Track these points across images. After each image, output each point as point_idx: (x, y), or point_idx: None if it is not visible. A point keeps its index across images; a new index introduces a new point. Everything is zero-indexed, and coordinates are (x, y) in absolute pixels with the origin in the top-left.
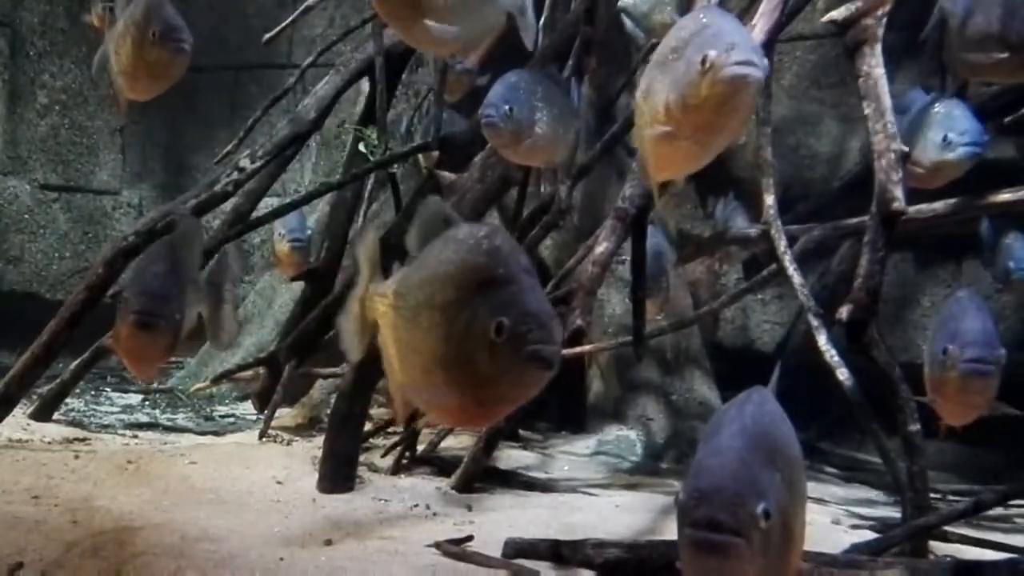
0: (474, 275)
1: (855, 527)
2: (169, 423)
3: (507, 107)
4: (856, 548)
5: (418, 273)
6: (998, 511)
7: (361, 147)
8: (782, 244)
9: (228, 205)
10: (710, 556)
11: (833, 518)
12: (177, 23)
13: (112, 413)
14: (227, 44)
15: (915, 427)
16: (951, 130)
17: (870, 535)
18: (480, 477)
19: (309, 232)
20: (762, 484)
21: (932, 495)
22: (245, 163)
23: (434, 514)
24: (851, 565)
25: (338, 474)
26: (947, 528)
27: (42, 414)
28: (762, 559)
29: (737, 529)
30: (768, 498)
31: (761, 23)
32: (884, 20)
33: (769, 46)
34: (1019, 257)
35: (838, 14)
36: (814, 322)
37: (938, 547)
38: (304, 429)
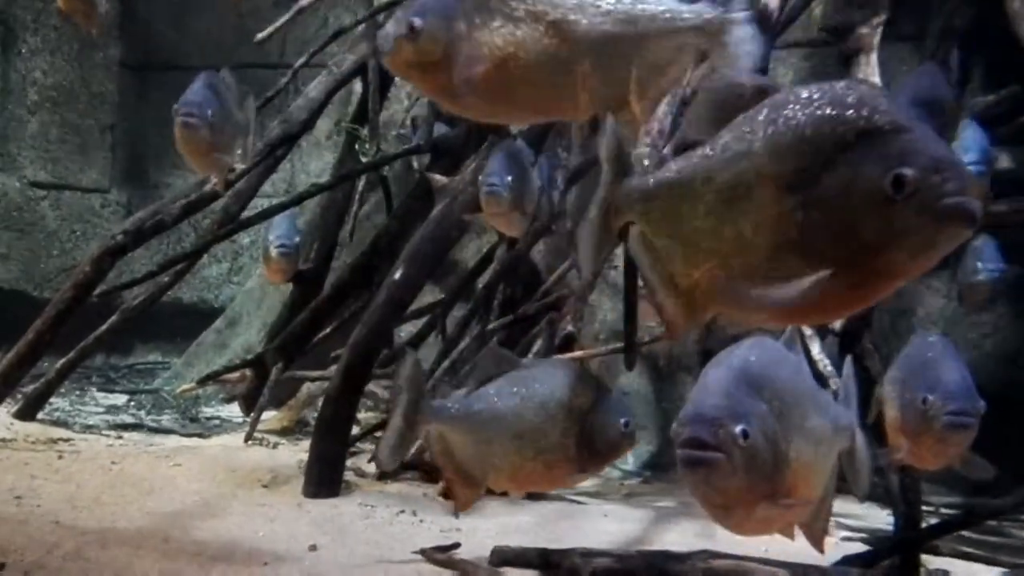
0: (845, 128)
1: (847, 539)
2: (154, 424)
3: (509, 179)
4: (847, 560)
5: (722, 153)
6: (990, 524)
7: (356, 146)
8: None
9: (218, 205)
10: (697, 470)
11: None
12: (193, 99)
13: (97, 413)
14: (220, 44)
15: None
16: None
17: (862, 547)
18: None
19: (298, 239)
20: (741, 410)
21: (924, 508)
22: (246, 159)
23: (420, 521)
24: None
25: (324, 479)
26: (939, 541)
27: (26, 413)
28: (746, 473)
29: (717, 446)
30: (748, 421)
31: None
32: (880, 29)
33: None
34: (987, 258)
35: (834, 22)
36: (807, 331)
37: (930, 560)
38: (290, 432)
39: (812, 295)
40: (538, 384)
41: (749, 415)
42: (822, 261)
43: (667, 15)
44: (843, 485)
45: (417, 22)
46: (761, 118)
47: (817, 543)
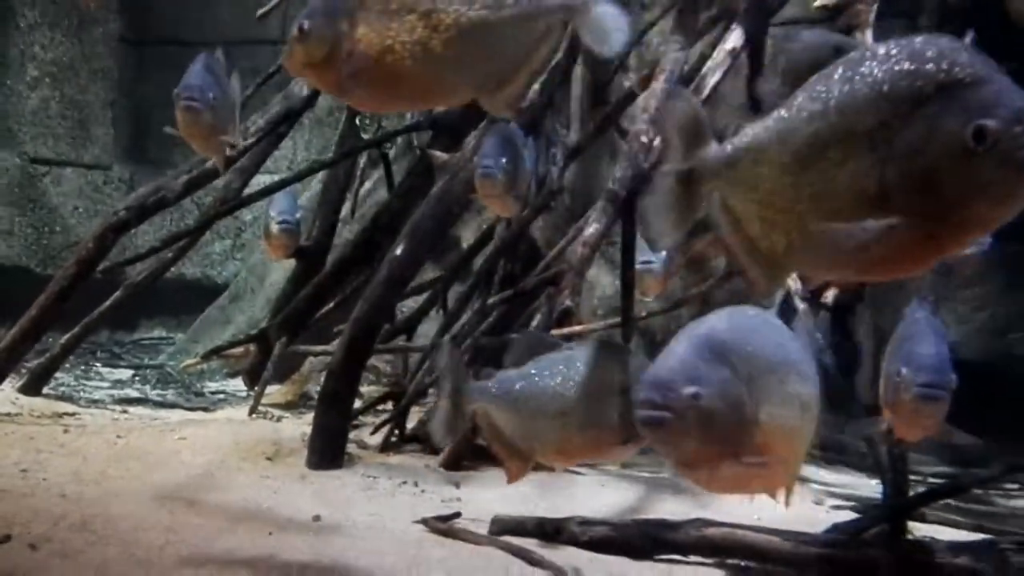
0: (924, 82)
1: (836, 508)
2: (159, 399)
3: (503, 160)
4: (836, 528)
5: (797, 114)
6: (976, 493)
7: (357, 120)
8: None
9: (220, 182)
10: (651, 429)
11: (815, 498)
12: (194, 83)
13: (102, 388)
14: (220, 19)
15: None
16: None
17: (851, 515)
18: (468, 455)
19: (299, 215)
20: (696, 373)
21: (912, 477)
22: (237, 140)
23: (422, 491)
24: (830, 545)
25: (327, 451)
26: (925, 509)
27: (31, 388)
28: (702, 433)
29: (667, 406)
30: (703, 384)
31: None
32: (876, 5)
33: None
34: None
35: None
36: (801, 305)
37: (916, 528)
38: (294, 406)
39: (890, 248)
40: (578, 361)
41: (705, 378)
42: (901, 215)
43: None
44: (835, 457)
45: (305, 24)
46: (836, 77)
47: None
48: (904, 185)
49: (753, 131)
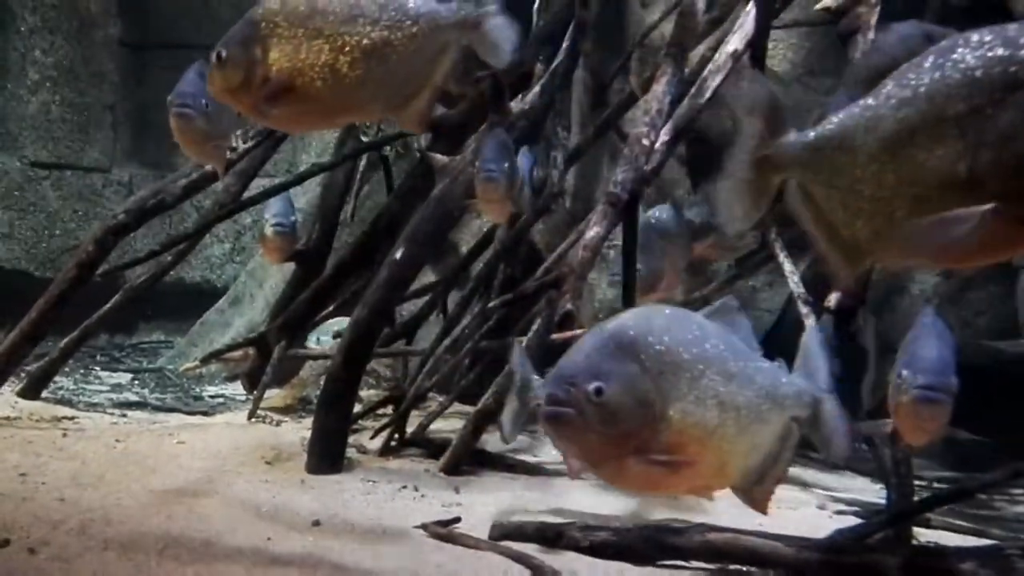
0: (1018, 67)
1: (840, 513)
2: (158, 403)
3: (505, 165)
4: (840, 533)
5: (886, 101)
6: (981, 499)
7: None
8: (772, 231)
9: (219, 185)
10: (551, 424)
11: (819, 503)
12: (187, 89)
13: (101, 392)
14: (218, 20)
15: None
16: None
17: (855, 521)
18: (468, 459)
19: (295, 218)
20: (599, 369)
21: (916, 482)
22: (236, 143)
23: (422, 496)
24: (834, 550)
25: (327, 455)
26: (930, 514)
27: (30, 392)
28: (603, 428)
29: (566, 401)
30: (605, 380)
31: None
32: (878, 8)
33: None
34: None
35: (832, 2)
36: (803, 309)
37: (921, 533)
38: (293, 410)
39: (978, 234)
40: None
41: (607, 374)
42: (991, 200)
43: (428, 17)
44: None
45: (222, 52)
46: (927, 64)
47: (759, 507)
48: (995, 171)
49: (838, 119)
